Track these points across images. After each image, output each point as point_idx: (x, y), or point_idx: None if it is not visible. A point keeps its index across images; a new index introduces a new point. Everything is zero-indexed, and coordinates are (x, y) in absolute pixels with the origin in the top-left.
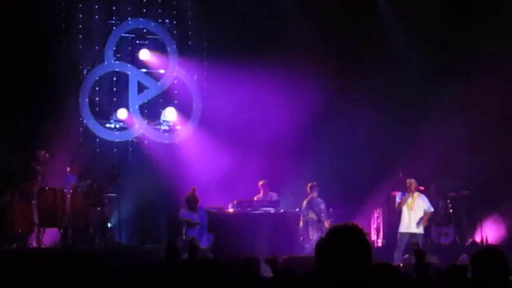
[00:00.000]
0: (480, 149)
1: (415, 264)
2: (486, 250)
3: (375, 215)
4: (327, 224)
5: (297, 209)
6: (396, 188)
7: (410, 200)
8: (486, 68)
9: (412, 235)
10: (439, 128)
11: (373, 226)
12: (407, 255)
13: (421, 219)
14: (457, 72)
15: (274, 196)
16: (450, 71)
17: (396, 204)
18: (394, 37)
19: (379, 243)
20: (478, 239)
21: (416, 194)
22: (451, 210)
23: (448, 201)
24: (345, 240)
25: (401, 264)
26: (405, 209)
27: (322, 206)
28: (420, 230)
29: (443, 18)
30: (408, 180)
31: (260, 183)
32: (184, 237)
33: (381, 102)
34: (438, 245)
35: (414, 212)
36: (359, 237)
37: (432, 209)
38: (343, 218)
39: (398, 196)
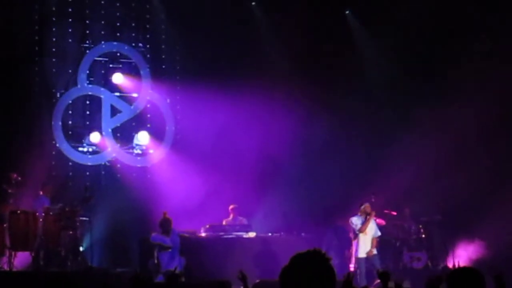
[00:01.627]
0: (452, 174)
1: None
2: (463, 269)
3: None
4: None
5: (270, 234)
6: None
7: (364, 224)
8: (459, 93)
9: (368, 258)
10: (411, 152)
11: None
12: (378, 280)
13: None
14: (430, 97)
15: (244, 220)
16: (423, 96)
17: (358, 228)
18: (367, 60)
19: (352, 268)
20: (450, 264)
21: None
22: (423, 235)
23: (420, 226)
24: (307, 266)
25: None
26: (361, 234)
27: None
28: (374, 251)
29: (417, 41)
30: (365, 205)
31: (231, 207)
32: (155, 261)
33: (354, 126)
34: (410, 270)
35: (367, 237)
36: (322, 262)
37: (379, 233)
38: (315, 243)
39: (354, 220)
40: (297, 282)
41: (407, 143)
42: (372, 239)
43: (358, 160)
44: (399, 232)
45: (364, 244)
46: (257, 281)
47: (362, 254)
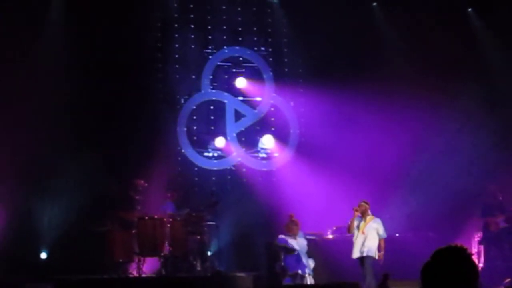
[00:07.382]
0: None
1: None
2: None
3: (476, 239)
4: None
5: (397, 234)
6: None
7: (362, 223)
8: None
9: (362, 258)
10: None
11: (474, 250)
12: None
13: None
14: None
15: None
16: None
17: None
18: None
19: (480, 267)
20: None
21: (369, 217)
22: None
23: None
24: (450, 262)
25: None
26: (356, 233)
27: None
28: (371, 253)
29: None
30: (360, 203)
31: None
32: (282, 264)
33: (483, 123)
34: None
35: (365, 236)
36: (464, 258)
37: (385, 235)
38: (441, 243)
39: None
40: (440, 278)
41: None
42: (379, 240)
43: (487, 159)
44: None
45: (361, 244)
46: None
47: (356, 254)
